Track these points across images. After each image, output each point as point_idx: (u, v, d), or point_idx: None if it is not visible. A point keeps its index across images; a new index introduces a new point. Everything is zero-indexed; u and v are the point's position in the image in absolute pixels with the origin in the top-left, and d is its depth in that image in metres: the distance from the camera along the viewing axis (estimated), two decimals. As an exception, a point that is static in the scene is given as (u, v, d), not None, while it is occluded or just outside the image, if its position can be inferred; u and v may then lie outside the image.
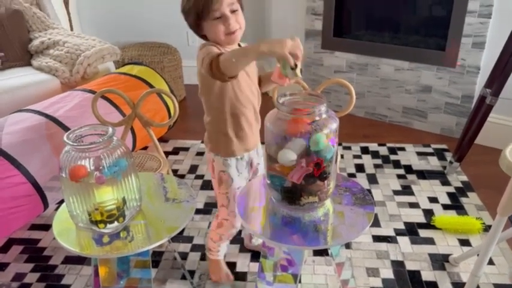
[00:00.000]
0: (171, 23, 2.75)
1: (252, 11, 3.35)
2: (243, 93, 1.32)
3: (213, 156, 1.41)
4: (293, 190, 1.14)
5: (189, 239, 1.83)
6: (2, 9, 2.63)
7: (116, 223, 1.14)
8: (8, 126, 1.86)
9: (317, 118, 1.10)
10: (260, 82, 1.42)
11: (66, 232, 1.19)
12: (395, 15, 2.79)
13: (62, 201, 1.86)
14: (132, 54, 3.12)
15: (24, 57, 2.66)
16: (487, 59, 2.37)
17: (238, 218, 1.48)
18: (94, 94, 1.84)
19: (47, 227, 1.91)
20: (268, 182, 1.20)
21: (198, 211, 1.99)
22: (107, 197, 1.11)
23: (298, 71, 1.10)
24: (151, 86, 2.29)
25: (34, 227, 1.92)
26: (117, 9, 3.39)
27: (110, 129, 1.13)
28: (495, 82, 1.97)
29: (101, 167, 1.08)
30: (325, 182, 1.14)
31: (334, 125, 1.12)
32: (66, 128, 1.89)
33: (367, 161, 2.40)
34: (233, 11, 1.24)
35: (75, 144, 1.08)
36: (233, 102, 1.32)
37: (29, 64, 2.64)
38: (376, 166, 2.35)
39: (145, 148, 2.46)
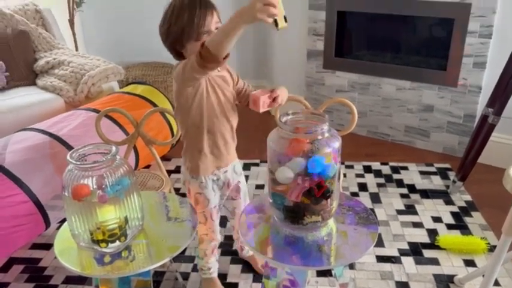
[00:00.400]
0: (175, 43, 2.77)
1: (254, 31, 3.40)
2: (221, 111, 1.35)
3: (189, 178, 1.43)
4: (296, 209, 1.14)
5: (191, 259, 1.81)
6: (9, 29, 2.67)
7: (117, 242, 1.13)
8: (11, 145, 1.86)
9: (319, 137, 1.10)
10: (241, 100, 1.46)
11: (68, 251, 1.18)
12: (396, 35, 2.83)
13: (63, 220, 1.86)
14: (136, 74, 3.15)
15: (29, 76, 2.69)
16: (489, 79, 2.38)
17: (216, 232, 1.53)
18: (98, 113, 1.85)
19: (48, 246, 1.90)
20: (271, 201, 1.20)
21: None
22: (109, 216, 1.11)
23: (281, 21, 1.10)
24: (154, 105, 2.30)
25: (35, 246, 1.91)
26: (121, 30, 3.44)
27: (113, 148, 1.13)
28: (497, 101, 1.98)
29: (103, 186, 1.09)
30: (328, 201, 1.14)
31: (337, 143, 1.12)
32: (69, 147, 1.90)
33: (370, 180, 2.39)
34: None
35: (78, 163, 1.08)
36: (210, 119, 1.34)
37: (34, 83, 2.67)
38: (379, 185, 2.34)
39: (147, 167, 2.46)
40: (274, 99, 1.34)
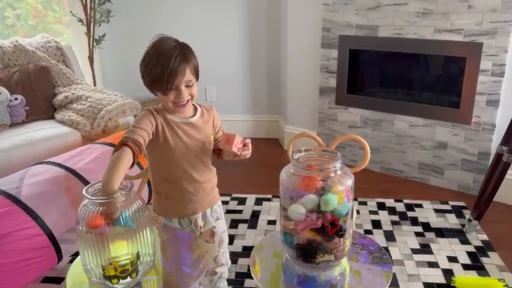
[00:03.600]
0: (190, 79, 2.84)
1: (267, 67, 3.47)
2: (183, 160, 1.34)
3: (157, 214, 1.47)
4: (308, 248, 1.13)
5: (202, 296, 1.79)
6: (31, 65, 2.77)
7: (128, 279, 1.13)
8: (28, 178, 1.90)
9: (332, 175, 1.11)
10: (220, 152, 1.42)
11: (79, 286, 1.18)
12: (408, 73, 2.85)
13: (75, 254, 1.86)
14: (151, 109, 3.21)
15: (48, 110, 2.76)
16: (502, 117, 2.38)
17: None
18: (113, 147, 1.88)
19: (59, 280, 1.90)
20: (282, 238, 1.19)
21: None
22: (122, 251, 1.11)
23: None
24: (168, 139, 2.33)
25: (46, 280, 1.91)
26: (139, 66, 3.54)
27: (128, 183, 1.15)
28: (511, 140, 1.97)
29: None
30: (341, 239, 1.13)
31: (350, 181, 1.12)
32: (84, 181, 1.92)
33: (383, 217, 2.36)
34: (188, 86, 1.29)
35: (93, 198, 1.10)
36: (168, 167, 1.35)
37: (52, 117, 2.74)
38: (394, 223, 2.30)
39: (160, 201, 2.47)
40: (244, 145, 1.32)
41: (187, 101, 1.31)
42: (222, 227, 1.52)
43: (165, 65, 1.24)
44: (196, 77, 1.33)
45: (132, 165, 1.22)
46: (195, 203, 1.41)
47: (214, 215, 1.49)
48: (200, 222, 1.46)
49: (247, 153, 1.34)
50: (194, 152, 1.36)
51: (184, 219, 1.45)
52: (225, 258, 1.57)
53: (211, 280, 1.62)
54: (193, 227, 1.46)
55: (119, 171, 1.15)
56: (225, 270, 1.61)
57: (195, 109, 1.40)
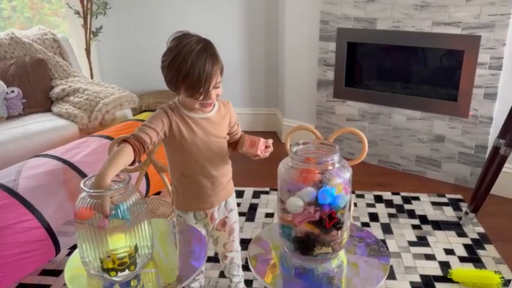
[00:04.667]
0: (188, 72, 2.83)
1: (265, 61, 3.46)
2: (200, 156, 1.33)
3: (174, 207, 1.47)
4: (306, 240, 1.13)
5: (200, 288, 1.80)
6: (27, 58, 2.75)
7: (127, 271, 1.13)
8: (25, 171, 1.89)
9: (330, 168, 1.11)
10: (236, 145, 1.42)
11: (77, 279, 1.18)
12: (406, 66, 2.85)
13: (73, 247, 1.86)
14: (150, 102, 3.21)
15: (45, 103, 2.75)
16: (499, 110, 2.38)
17: None
18: (110, 140, 1.88)
19: (57, 273, 1.90)
20: (280, 231, 1.19)
21: (208, 259, 1.96)
22: (120, 244, 1.11)
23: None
24: (166, 132, 2.33)
25: (45, 272, 1.91)
26: (136, 58, 3.53)
27: (126, 176, 1.14)
28: (508, 133, 1.97)
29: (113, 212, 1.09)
30: (339, 232, 1.13)
31: (347, 174, 1.13)
32: (82, 173, 1.92)
33: (381, 210, 2.37)
34: (216, 87, 1.27)
35: (91, 190, 1.10)
36: (185, 162, 1.35)
37: (49, 110, 2.72)
38: (391, 215, 2.31)
39: (158, 193, 2.47)
40: (266, 147, 1.34)
41: (213, 101, 1.30)
42: (233, 218, 1.53)
43: (201, 71, 1.20)
44: (221, 73, 1.30)
45: (134, 162, 1.21)
46: (212, 197, 1.41)
47: (229, 207, 1.50)
48: (216, 215, 1.46)
49: (268, 153, 1.35)
50: (211, 148, 1.35)
51: (200, 213, 1.44)
52: (235, 246, 1.60)
53: (225, 266, 1.65)
54: (208, 220, 1.46)
55: (114, 166, 1.14)
56: (236, 256, 1.63)
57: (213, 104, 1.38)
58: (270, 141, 1.35)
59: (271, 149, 1.35)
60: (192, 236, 1.38)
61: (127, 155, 1.19)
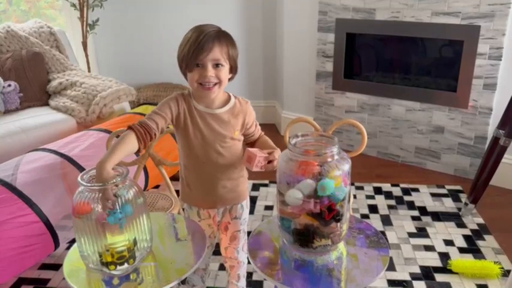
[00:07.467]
0: (185, 64, 2.82)
1: (264, 52, 3.43)
2: (202, 152, 1.31)
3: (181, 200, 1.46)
4: (305, 232, 1.13)
5: (199, 281, 1.79)
6: (24, 51, 2.73)
7: (126, 265, 1.13)
8: (23, 165, 1.88)
9: (329, 160, 1.10)
10: (252, 146, 1.38)
11: (76, 273, 1.17)
12: (406, 57, 2.84)
13: (72, 241, 1.86)
14: (148, 95, 3.19)
15: (42, 97, 2.73)
16: (499, 100, 2.37)
17: None
18: (109, 134, 1.87)
19: (56, 267, 1.90)
20: (279, 223, 1.19)
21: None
22: (118, 238, 1.10)
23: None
24: (164, 125, 2.32)
25: (44, 267, 1.91)
26: (133, 51, 3.50)
27: (124, 170, 1.14)
28: (508, 124, 1.96)
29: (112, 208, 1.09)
30: (338, 224, 1.13)
31: (347, 166, 1.12)
32: (80, 167, 1.91)
33: (380, 201, 2.37)
34: (216, 65, 1.24)
35: (88, 184, 1.09)
36: (186, 156, 1.34)
37: (47, 104, 2.71)
38: (390, 207, 2.31)
39: (157, 187, 2.47)
40: (269, 162, 1.25)
41: (214, 85, 1.25)
42: (237, 226, 1.46)
43: (195, 40, 1.21)
44: (231, 63, 1.28)
45: (139, 150, 1.20)
46: (214, 197, 1.37)
47: (234, 213, 1.44)
48: (218, 219, 1.44)
49: (273, 168, 1.25)
50: (212, 146, 1.30)
51: (203, 212, 1.42)
52: (235, 254, 1.51)
53: (226, 270, 1.59)
54: (210, 221, 1.44)
55: (114, 154, 1.13)
56: (236, 265, 1.54)
57: (227, 101, 1.34)
58: (273, 156, 1.26)
59: (276, 163, 1.24)
60: (192, 229, 1.38)
61: (129, 142, 1.17)
